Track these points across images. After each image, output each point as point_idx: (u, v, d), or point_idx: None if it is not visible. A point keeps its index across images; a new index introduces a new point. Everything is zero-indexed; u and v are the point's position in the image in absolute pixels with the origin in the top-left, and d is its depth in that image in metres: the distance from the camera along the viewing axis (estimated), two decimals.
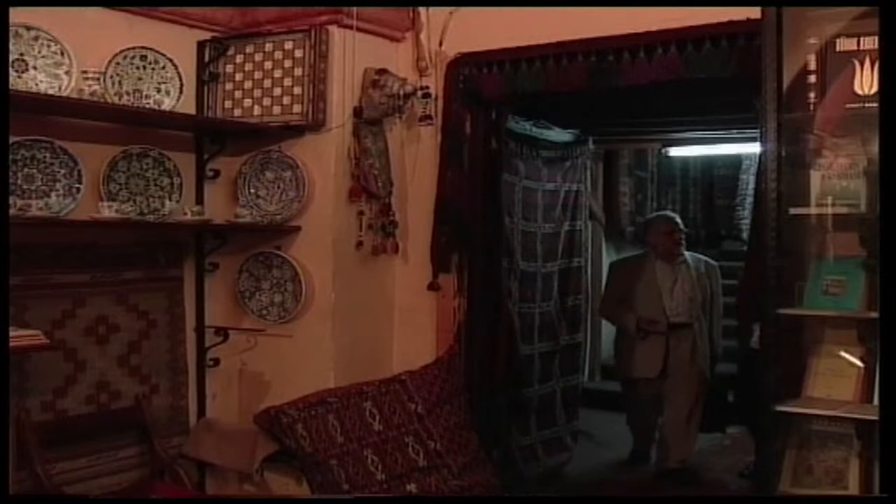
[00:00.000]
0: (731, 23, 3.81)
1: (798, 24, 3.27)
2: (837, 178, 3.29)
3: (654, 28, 4.02)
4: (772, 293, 3.28)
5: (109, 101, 4.07)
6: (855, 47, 3.19)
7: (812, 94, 3.29)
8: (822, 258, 3.43)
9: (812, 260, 3.45)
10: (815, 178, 3.34)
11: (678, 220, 6.44)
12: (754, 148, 6.84)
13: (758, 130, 3.39)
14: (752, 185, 9.22)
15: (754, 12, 3.41)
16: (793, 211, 3.29)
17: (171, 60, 4.33)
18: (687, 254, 6.30)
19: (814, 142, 3.37)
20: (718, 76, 3.95)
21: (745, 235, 9.29)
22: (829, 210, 3.32)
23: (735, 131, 6.87)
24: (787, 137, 3.27)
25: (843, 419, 3.23)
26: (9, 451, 3.17)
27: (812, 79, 3.29)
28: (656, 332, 6.09)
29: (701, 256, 6.53)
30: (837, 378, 3.32)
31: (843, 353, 3.35)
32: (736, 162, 10.20)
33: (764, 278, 3.29)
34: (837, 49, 3.24)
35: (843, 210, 3.27)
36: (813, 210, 3.36)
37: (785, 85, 3.25)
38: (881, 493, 2.86)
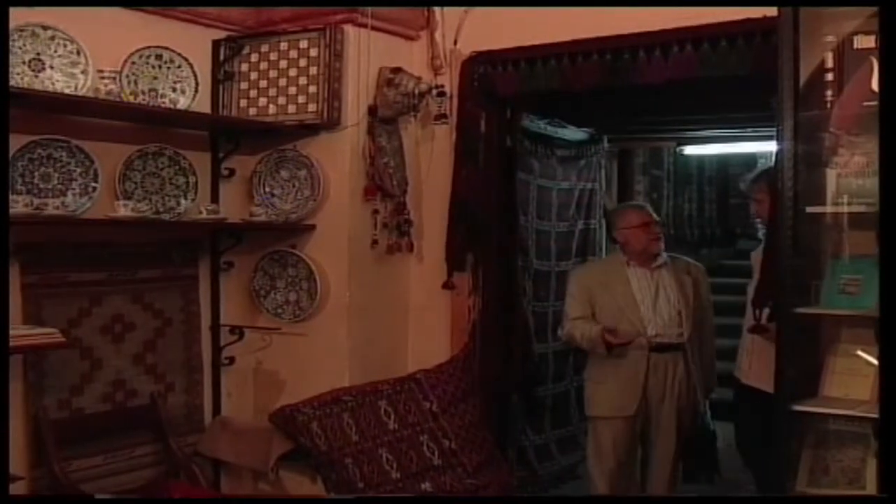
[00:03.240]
0: (747, 20, 3.79)
1: (815, 21, 3.25)
2: (854, 176, 3.26)
3: (669, 26, 4.01)
4: (788, 292, 3.27)
5: (125, 100, 4.08)
6: (873, 45, 3.15)
7: (829, 92, 3.27)
8: (838, 257, 3.41)
9: (828, 259, 3.43)
10: (831, 176, 3.31)
11: (651, 209, 4.99)
12: (770, 146, 6.78)
13: (774, 129, 3.36)
14: None
15: (771, 10, 3.39)
16: (809, 210, 3.27)
17: (186, 59, 4.34)
18: (664, 255, 4.84)
19: (830, 140, 3.34)
20: (734, 74, 3.94)
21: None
22: (846, 209, 3.29)
23: (751, 130, 6.86)
24: (804, 136, 3.25)
25: (860, 418, 3.21)
26: (8, 451, 3.18)
27: (829, 76, 3.27)
28: (628, 344, 4.55)
29: (683, 258, 5.06)
30: (854, 377, 3.31)
31: (860, 353, 3.33)
32: (751, 160, 10.16)
33: (780, 277, 3.28)
34: (855, 46, 3.21)
35: (860, 209, 3.23)
36: (829, 209, 3.33)
37: (801, 83, 3.23)
38: (881, 493, 2.84)
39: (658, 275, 4.74)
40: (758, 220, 4.85)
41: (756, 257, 4.71)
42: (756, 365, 4.30)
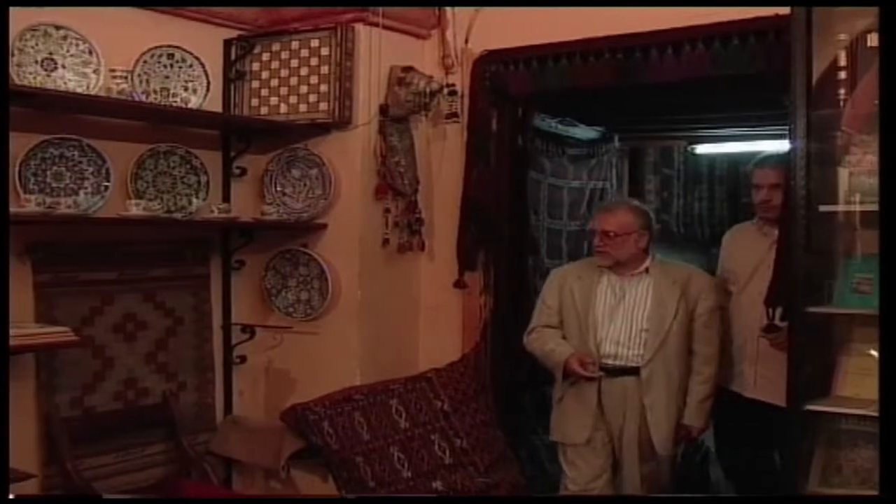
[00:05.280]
0: (759, 19, 3.78)
1: (827, 20, 3.23)
2: (866, 175, 3.23)
3: (681, 25, 3.99)
4: (801, 291, 3.26)
5: (137, 99, 4.09)
6: None
7: (842, 91, 3.25)
8: (851, 256, 3.39)
9: (841, 258, 3.41)
10: (844, 175, 3.30)
11: (623, 213, 4.17)
12: (782, 145, 6.72)
13: (786, 127, 3.35)
14: None
15: (783, 9, 3.38)
16: (822, 208, 3.26)
17: (198, 59, 4.35)
18: (665, 261, 4.27)
19: (842, 139, 3.32)
20: (746, 73, 3.93)
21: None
22: (858, 207, 3.28)
23: (762, 129, 6.83)
24: (816, 134, 3.23)
25: (872, 418, 3.18)
26: (8, 450, 3.20)
27: (842, 75, 3.25)
28: (589, 376, 4.03)
29: (680, 266, 4.32)
30: (867, 377, 3.28)
31: (872, 352, 3.30)
32: None
33: (793, 276, 3.27)
34: (868, 45, 3.20)
35: (872, 207, 3.20)
36: (841, 207, 3.32)
37: (814, 81, 3.22)
38: (881, 493, 2.82)
39: (630, 285, 4.13)
40: (765, 214, 4.37)
41: (742, 259, 4.41)
42: (767, 375, 4.08)
